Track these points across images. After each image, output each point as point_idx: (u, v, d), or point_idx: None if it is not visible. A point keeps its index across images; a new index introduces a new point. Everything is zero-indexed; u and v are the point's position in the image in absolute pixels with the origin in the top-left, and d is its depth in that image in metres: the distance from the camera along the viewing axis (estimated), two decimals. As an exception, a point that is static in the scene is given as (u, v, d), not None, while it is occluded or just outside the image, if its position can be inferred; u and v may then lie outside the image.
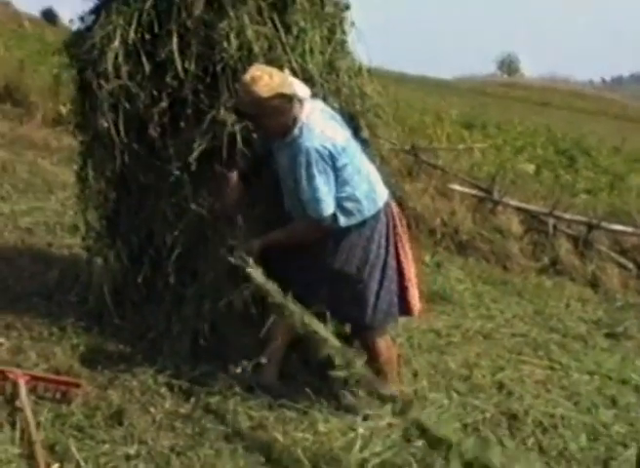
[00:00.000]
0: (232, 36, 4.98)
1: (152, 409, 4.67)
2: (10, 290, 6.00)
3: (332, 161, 4.67)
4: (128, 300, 5.57)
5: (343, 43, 5.50)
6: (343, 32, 5.54)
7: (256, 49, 5.00)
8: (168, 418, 4.62)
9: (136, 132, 5.22)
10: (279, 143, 4.79)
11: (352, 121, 5.33)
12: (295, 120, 4.67)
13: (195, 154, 5.02)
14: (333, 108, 5.11)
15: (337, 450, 4.38)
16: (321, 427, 4.66)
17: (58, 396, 4.60)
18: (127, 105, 5.12)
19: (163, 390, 4.89)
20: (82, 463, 3.96)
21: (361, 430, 4.65)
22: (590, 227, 10.12)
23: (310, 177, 4.61)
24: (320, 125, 4.72)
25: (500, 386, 5.85)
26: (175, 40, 5.03)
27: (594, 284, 9.57)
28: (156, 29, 5.07)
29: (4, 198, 8.48)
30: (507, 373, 6.11)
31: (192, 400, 4.83)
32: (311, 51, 5.20)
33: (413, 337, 6.52)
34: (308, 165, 4.60)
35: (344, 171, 4.73)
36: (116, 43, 5.04)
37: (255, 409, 4.83)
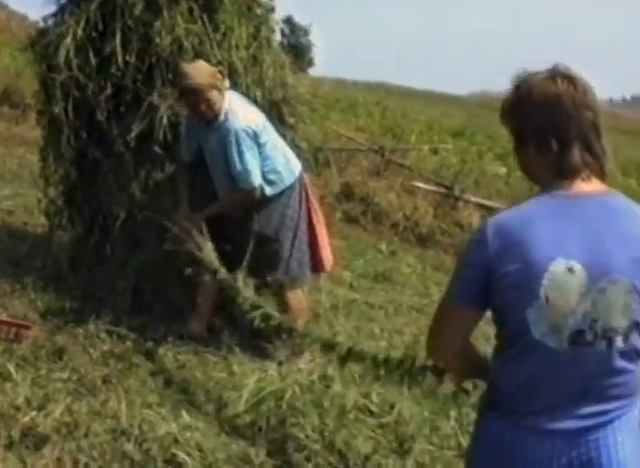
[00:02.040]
0: (165, 33, 5.80)
1: (91, 350, 5.40)
2: (-17, 258, 6.73)
3: (255, 139, 5.48)
4: (82, 265, 6.37)
5: (269, 40, 6.31)
6: (271, 30, 6.37)
7: (186, 44, 5.84)
8: (103, 357, 5.36)
9: (86, 116, 6.04)
10: (206, 132, 5.57)
11: (274, 108, 6.15)
12: (219, 108, 5.46)
13: (133, 134, 5.83)
14: (254, 96, 5.94)
15: (242, 384, 5.12)
16: (236, 368, 5.38)
17: (11, 336, 5.36)
18: (76, 93, 5.92)
19: (103, 335, 5.61)
20: (19, 381, 4.73)
21: (271, 372, 5.39)
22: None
23: (240, 154, 5.40)
24: (242, 110, 5.53)
25: (415, 345, 6.53)
26: (118, 37, 5.85)
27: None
28: (101, 28, 5.88)
29: (-10, 185, 9.33)
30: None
31: (128, 343, 5.58)
32: (237, 46, 6.02)
33: (344, 307, 7.23)
34: (238, 143, 5.39)
35: (265, 147, 5.55)
36: (68, 40, 5.86)
37: (182, 353, 5.55)
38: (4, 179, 9.70)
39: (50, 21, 6.19)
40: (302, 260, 5.82)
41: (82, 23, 5.86)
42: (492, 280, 2.31)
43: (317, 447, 4.41)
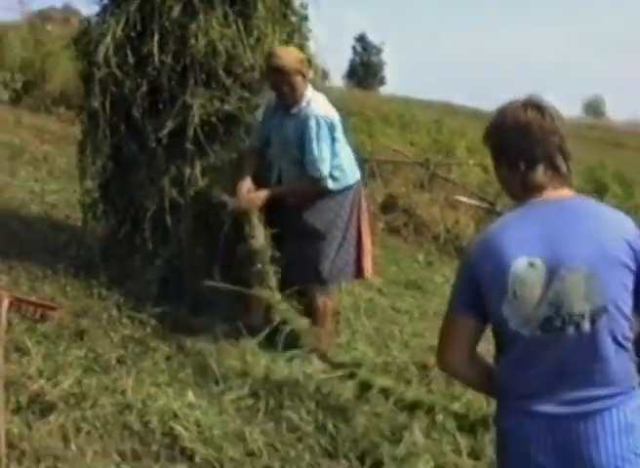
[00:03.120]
0: (200, 36, 6.07)
1: (112, 333, 5.66)
2: (22, 246, 7.04)
3: (331, 132, 5.75)
4: (113, 255, 6.64)
5: (302, 46, 6.54)
6: (304, 38, 6.62)
7: (220, 47, 6.10)
8: (123, 340, 5.62)
9: (123, 112, 6.33)
10: (282, 118, 5.83)
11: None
12: (302, 95, 5.73)
13: (166, 131, 6.10)
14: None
15: (251, 371, 5.35)
16: (249, 358, 5.59)
17: (37, 316, 5.64)
18: (114, 90, 6.22)
19: (125, 320, 5.88)
20: (33, 354, 4.99)
21: (281, 362, 5.58)
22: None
23: (318, 139, 5.65)
24: (322, 101, 5.85)
25: (431, 349, 6.67)
26: (155, 38, 6.13)
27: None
28: (140, 28, 6.17)
29: (38, 180, 9.69)
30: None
31: (148, 329, 5.84)
32: (269, 51, 6.24)
33: (368, 309, 7.41)
34: (318, 128, 5.65)
35: (336, 143, 5.81)
36: (108, 38, 6.16)
37: (200, 340, 5.78)
38: (52, 176, 10.06)
39: (93, 21, 6.47)
40: (347, 262, 6.05)
41: (122, 24, 6.15)
42: (478, 286, 2.59)
43: (309, 429, 4.62)
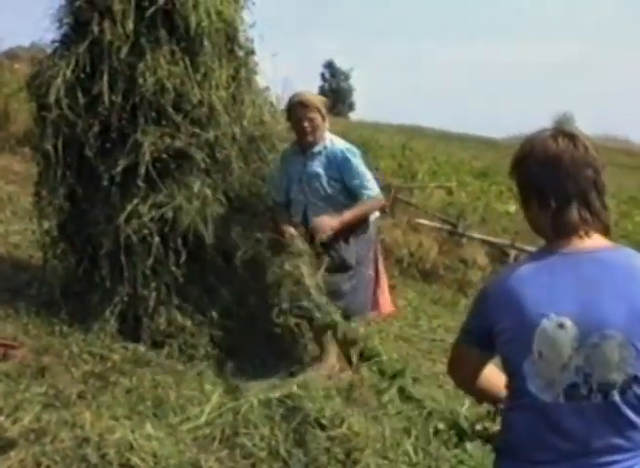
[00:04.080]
0: (148, 75, 6.22)
1: (73, 369, 5.75)
2: (-16, 287, 7.14)
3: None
4: (74, 292, 6.74)
5: (249, 80, 6.72)
6: (251, 72, 6.79)
7: (168, 85, 6.25)
8: (84, 376, 5.70)
9: (76, 153, 6.47)
10: (304, 160, 6.08)
11: (253, 144, 6.54)
12: (320, 136, 6.02)
13: (118, 169, 6.23)
14: (233, 133, 6.35)
15: (208, 400, 5.46)
16: (208, 387, 5.72)
17: (-1, 356, 5.75)
18: (66, 131, 6.35)
19: (86, 356, 5.97)
20: (-6, 393, 5.10)
21: (240, 388, 5.71)
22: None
23: (357, 165, 5.94)
24: (341, 140, 6.14)
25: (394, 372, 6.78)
26: (105, 78, 6.28)
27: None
28: (89, 69, 6.32)
29: (2, 221, 9.82)
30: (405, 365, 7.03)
31: (109, 364, 5.94)
32: (217, 86, 6.42)
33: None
34: (353, 157, 5.95)
35: None
36: (58, 81, 6.30)
37: (159, 374, 5.90)
38: (17, 216, 10.12)
39: (44, 63, 6.61)
40: (370, 298, 6.27)
41: (71, 65, 6.30)
42: (493, 333, 2.46)
43: (263, 454, 4.74)
